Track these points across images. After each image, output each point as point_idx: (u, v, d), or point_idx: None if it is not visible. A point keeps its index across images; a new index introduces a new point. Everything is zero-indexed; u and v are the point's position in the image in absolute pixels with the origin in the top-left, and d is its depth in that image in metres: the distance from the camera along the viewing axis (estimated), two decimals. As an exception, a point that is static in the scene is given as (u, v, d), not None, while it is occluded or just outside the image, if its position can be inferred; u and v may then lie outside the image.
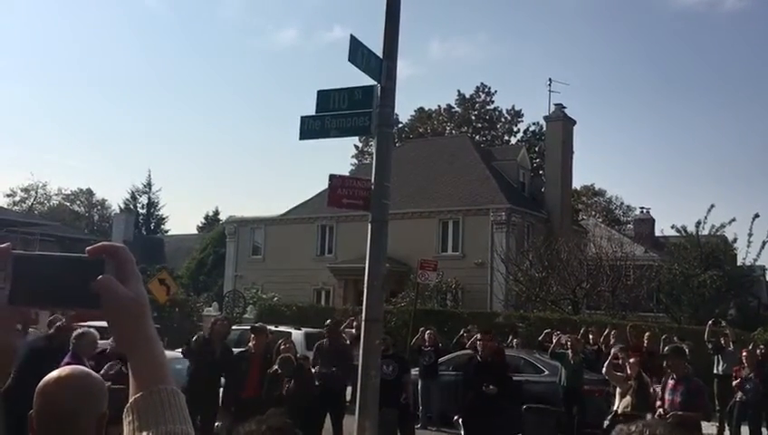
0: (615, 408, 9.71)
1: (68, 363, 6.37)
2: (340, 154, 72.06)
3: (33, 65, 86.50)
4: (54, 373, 1.92)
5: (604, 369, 10.23)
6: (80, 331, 6.92)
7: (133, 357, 1.13)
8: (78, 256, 1.11)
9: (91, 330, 6.99)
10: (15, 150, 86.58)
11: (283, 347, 9.55)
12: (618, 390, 9.83)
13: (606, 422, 10.11)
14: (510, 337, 17.74)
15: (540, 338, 16.65)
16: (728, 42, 76.43)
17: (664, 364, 9.39)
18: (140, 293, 1.13)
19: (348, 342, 12.23)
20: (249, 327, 11.57)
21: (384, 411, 8.75)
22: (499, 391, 8.89)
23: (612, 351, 10.88)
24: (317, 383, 9.83)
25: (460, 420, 9.17)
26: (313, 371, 10.15)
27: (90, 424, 1.86)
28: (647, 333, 14.82)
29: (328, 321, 11.72)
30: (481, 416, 8.88)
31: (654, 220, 40.91)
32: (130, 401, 1.11)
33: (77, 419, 1.84)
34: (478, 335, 10.06)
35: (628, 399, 9.34)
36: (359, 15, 73.61)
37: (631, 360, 9.90)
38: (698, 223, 27.47)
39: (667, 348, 9.06)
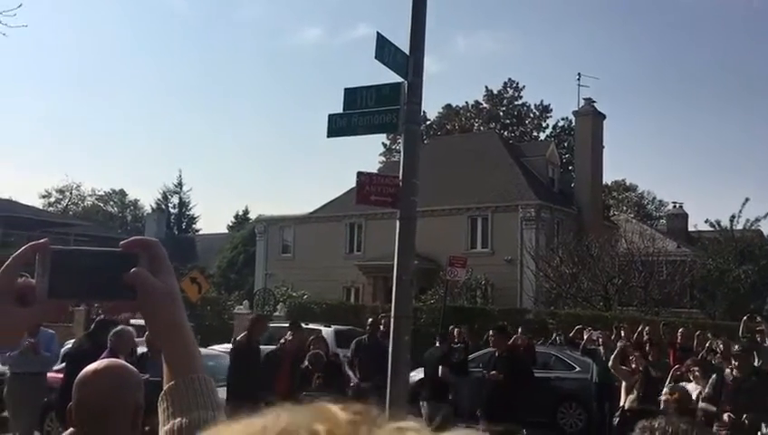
0: (622, 404, 9.66)
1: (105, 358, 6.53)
2: (368, 152, 72.24)
3: (65, 68, 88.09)
4: (91, 367, 1.98)
5: (610, 363, 10.21)
6: (117, 328, 7.07)
7: (166, 346, 1.17)
8: (113, 250, 1.15)
9: (129, 328, 7.13)
10: (50, 153, 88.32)
11: (313, 346, 9.62)
12: (624, 384, 9.78)
13: (615, 418, 10.05)
14: (547, 337, 17.76)
15: (570, 335, 16.54)
16: (763, 31, 74.94)
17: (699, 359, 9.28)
18: (172, 284, 1.17)
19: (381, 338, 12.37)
20: (283, 325, 11.66)
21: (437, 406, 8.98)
22: (515, 383, 8.98)
23: (618, 345, 10.86)
24: (352, 385, 9.97)
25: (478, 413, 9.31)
26: (347, 367, 10.27)
27: (126, 416, 1.91)
28: (681, 329, 14.63)
29: (370, 319, 12.19)
30: (497, 407, 8.97)
31: (687, 215, 40.29)
32: (164, 389, 1.15)
33: (113, 410, 1.89)
34: (490, 332, 10.25)
35: (634, 393, 9.29)
36: (383, 11, 73.57)
37: (636, 354, 9.85)
38: (732, 217, 27.08)
39: (736, 347, 8.93)
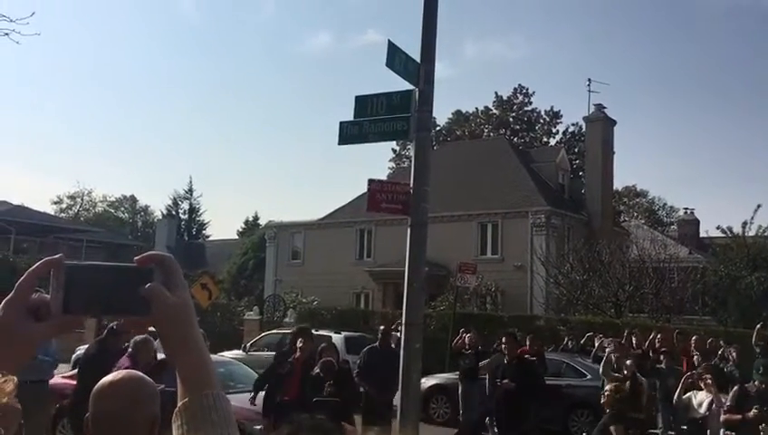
0: None
1: (124, 364, 6.55)
2: (377, 158, 72.25)
3: (76, 75, 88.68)
4: (108, 378, 1.99)
5: (601, 369, 10.18)
6: (142, 337, 7.08)
7: (180, 362, 1.16)
8: (127, 266, 1.15)
9: (151, 338, 7.10)
10: (61, 159, 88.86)
11: (324, 353, 9.57)
12: None
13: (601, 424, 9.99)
14: (558, 344, 17.70)
15: (582, 342, 16.45)
16: (774, 37, 74.52)
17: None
18: (186, 300, 1.17)
19: (393, 346, 12.30)
20: (292, 330, 11.59)
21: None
22: (525, 391, 8.95)
23: (606, 351, 10.79)
24: (361, 390, 9.90)
25: (488, 420, 9.29)
26: (357, 378, 10.21)
27: (142, 427, 1.91)
28: (694, 337, 14.54)
29: (382, 327, 12.02)
30: (508, 415, 8.94)
31: (698, 221, 40.12)
32: (178, 405, 1.14)
33: (130, 422, 1.89)
34: (503, 338, 10.15)
35: None
36: (392, 18, 73.78)
37: (628, 362, 9.82)
38: (744, 223, 26.92)
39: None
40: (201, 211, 58.93)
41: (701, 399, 9.56)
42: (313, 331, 14.02)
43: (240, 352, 18.41)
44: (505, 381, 9.04)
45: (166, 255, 1.18)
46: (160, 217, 56.36)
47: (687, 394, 9.82)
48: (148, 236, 56.24)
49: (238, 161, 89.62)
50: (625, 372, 9.74)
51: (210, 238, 57.14)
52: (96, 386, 1.96)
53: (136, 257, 1.15)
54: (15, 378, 0.99)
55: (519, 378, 9.14)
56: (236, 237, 51.84)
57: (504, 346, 9.90)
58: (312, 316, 24.23)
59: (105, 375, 2.03)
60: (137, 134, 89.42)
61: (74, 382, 8.69)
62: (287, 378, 9.07)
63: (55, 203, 64.09)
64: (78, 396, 7.15)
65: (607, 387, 7.70)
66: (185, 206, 58.16)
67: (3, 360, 1.09)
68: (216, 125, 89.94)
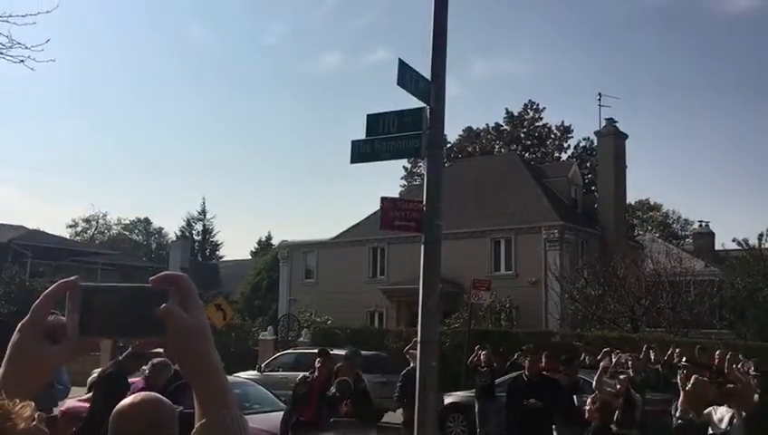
0: None
1: (139, 386, 6.56)
2: (389, 176, 72.36)
3: (89, 99, 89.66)
4: (128, 400, 2.00)
5: (594, 383, 10.10)
6: (160, 360, 7.08)
7: (197, 383, 1.15)
8: (142, 286, 1.14)
9: (167, 360, 7.09)
10: (77, 183, 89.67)
11: (341, 373, 9.51)
12: None
13: None
14: (578, 359, 17.55)
15: (599, 357, 16.28)
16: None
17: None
18: (203, 320, 1.16)
19: (411, 365, 12.19)
20: (309, 351, 11.52)
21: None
22: (547, 409, 8.86)
23: (601, 365, 10.70)
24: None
25: None
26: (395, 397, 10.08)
27: None
28: (717, 352, 14.38)
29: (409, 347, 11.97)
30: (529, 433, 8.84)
31: (714, 234, 39.84)
32: (196, 426, 1.13)
33: None
34: (528, 355, 10.04)
35: (616, 415, 9.17)
36: (402, 36, 74.16)
37: (621, 377, 9.75)
38: (761, 235, 26.69)
39: None
40: (214, 232, 59.43)
41: (721, 414, 9.43)
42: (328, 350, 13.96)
43: (255, 372, 18.38)
44: (532, 400, 8.90)
45: (181, 274, 1.17)
46: (174, 239, 56.68)
47: (707, 410, 9.68)
48: (163, 257, 56.47)
49: (250, 182, 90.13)
50: (618, 387, 9.67)
51: (224, 259, 57.42)
52: (116, 408, 1.97)
53: (151, 278, 1.15)
54: (33, 403, 0.99)
55: (542, 396, 9.03)
56: (250, 258, 52.03)
57: (527, 362, 9.79)
58: (327, 336, 24.18)
59: (120, 398, 2.04)
60: (149, 157, 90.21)
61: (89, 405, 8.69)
62: (304, 398, 9.03)
63: (70, 226, 64.81)
64: (92, 418, 7.16)
65: (588, 399, 7.67)
66: (198, 227, 58.74)
67: (20, 383, 1.08)
68: (228, 146, 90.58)
